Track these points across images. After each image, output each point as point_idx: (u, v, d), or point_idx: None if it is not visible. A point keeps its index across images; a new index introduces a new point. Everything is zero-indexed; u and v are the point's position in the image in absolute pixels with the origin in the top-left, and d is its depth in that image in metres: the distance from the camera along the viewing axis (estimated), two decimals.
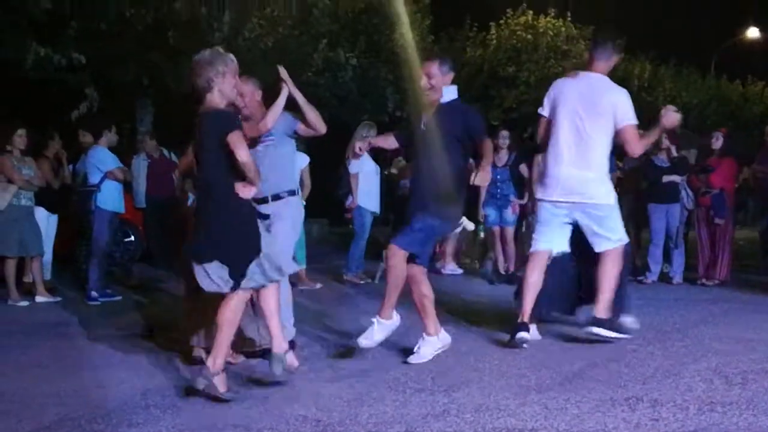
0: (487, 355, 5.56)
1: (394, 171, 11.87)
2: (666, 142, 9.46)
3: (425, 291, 5.45)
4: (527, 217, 10.33)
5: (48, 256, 9.05)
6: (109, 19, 11.45)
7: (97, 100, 12.41)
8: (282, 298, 5.03)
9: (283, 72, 5.38)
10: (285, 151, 5.67)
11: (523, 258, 10.05)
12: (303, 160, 9.46)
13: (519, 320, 5.82)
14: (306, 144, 9.77)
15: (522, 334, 5.72)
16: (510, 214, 9.97)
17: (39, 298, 8.44)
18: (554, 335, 6.18)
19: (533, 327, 5.93)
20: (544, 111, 6.00)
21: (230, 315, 4.68)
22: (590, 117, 5.78)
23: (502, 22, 21.69)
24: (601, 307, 5.79)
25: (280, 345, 4.76)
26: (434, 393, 4.67)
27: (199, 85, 4.70)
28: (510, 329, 5.85)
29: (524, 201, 10.04)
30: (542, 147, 6.11)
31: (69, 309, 8.01)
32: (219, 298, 4.73)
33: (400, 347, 5.67)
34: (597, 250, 5.87)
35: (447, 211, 5.45)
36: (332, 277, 10.06)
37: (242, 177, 4.62)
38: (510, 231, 10.01)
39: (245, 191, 4.67)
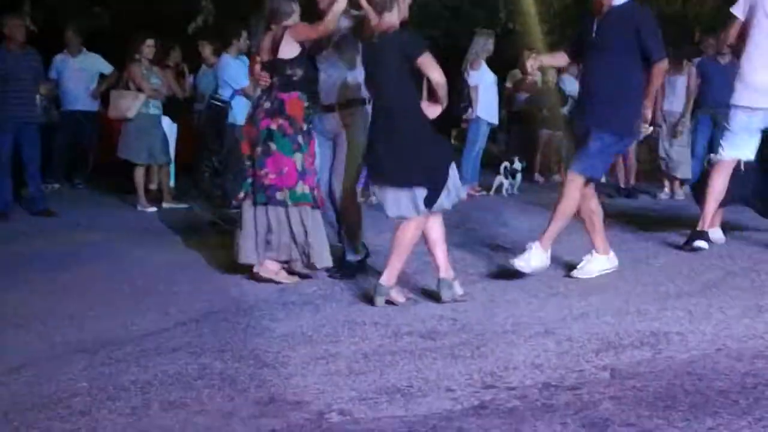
0: (618, 264, 5.43)
1: (508, 85, 11.61)
2: None
3: (593, 207, 5.17)
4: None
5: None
6: None
7: (213, 12, 12.50)
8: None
9: None
10: None
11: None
12: None
13: (699, 227, 5.72)
14: None
15: (699, 243, 5.65)
16: None
17: (166, 205, 8.68)
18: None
19: (716, 229, 5.89)
20: (739, 11, 5.64)
21: (408, 241, 4.59)
22: None
23: None
24: None
25: (447, 271, 4.69)
26: (568, 297, 4.63)
27: (375, 1, 4.52)
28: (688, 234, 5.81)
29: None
30: (734, 49, 5.88)
31: (195, 215, 8.22)
32: None
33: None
34: None
35: (626, 125, 5.05)
36: None
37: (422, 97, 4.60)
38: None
39: (432, 110, 4.59)
